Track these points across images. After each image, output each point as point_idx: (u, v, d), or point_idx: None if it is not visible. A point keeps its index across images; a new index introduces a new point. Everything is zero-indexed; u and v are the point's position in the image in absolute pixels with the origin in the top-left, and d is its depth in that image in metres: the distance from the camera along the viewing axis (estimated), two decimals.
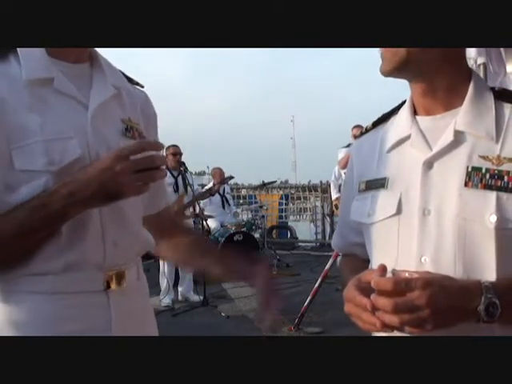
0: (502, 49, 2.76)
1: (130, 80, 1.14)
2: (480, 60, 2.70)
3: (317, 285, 4.16)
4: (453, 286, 0.76)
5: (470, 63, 2.69)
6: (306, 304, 4.10)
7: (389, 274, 0.77)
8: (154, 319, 1.13)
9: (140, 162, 0.86)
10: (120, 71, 1.11)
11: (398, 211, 0.90)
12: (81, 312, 0.92)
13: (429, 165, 0.89)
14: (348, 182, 1.10)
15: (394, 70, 0.88)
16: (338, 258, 5.27)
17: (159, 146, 0.91)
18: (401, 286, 0.73)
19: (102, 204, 0.89)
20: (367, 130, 1.07)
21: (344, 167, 6.10)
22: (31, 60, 0.92)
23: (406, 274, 0.77)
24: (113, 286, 0.96)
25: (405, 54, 0.85)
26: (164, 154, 1.08)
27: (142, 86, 1.17)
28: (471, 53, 2.70)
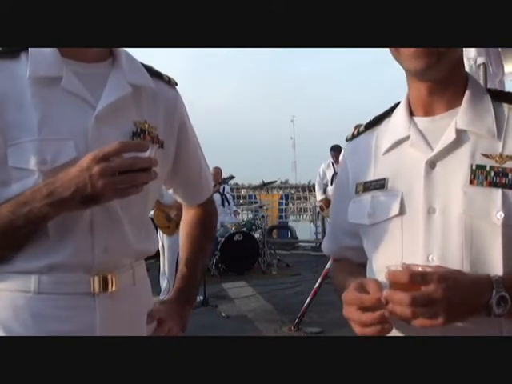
0: (500, 49, 2.76)
1: (159, 76, 1.09)
2: (480, 60, 2.70)
3: (317, 285, 4.16)
4: (465, 280, 0.78)
5: (470, 63, 2.69)
6: (305, 304, 4.10)
7: (398, 268, 0.79)
8: (153, 324, 1.10)
9: (119, 163, 0.83)
10: (147, 66, 1.07)
11: (401, 211, 0.91)
12: (66, 313, 0.91)
13: (431, 164, 0.89)
14: (341, 185, 1.08)
15: (429, 67, 0.86)
16: None
17: (143, 147, 0.87)
18: (417, 278, 0.74)
19: (82, 207, 0.87)
20: (359, 133, 1.07)
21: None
22: (40, 59, 0.92)
23: (419, 268, 0.78)
24: (100, 289, 0.94)
25: (443, 51, 0.85)
26: (153, 155, 1.07)
27: (176, 84, 1.13)
28: (471, 53, 2.70)
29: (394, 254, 0.91)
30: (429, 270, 0.78)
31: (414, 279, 0.74)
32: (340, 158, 6.26)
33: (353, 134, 1.09)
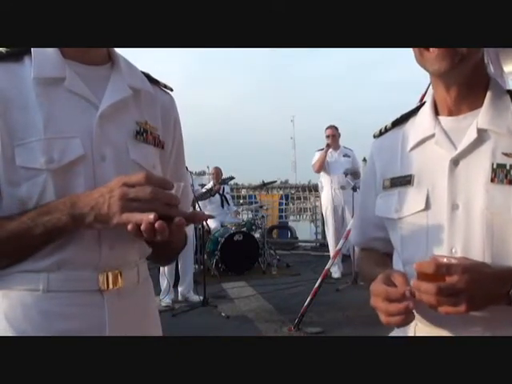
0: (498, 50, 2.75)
1: (156, 82, 1.12)
2: None
3: (317, 285, 4.16)
4: (487, 271, 0.83)
5: None
6: (305, 304, 4.09)
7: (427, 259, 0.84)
8: (157, 322, 1.12)
9: (139, 189, 0.84)
10: (144, 73, 1.10)
11: (427, 206, 0.96)
12: (75, 311, 0.92)
13: (455, 162, 0.93)
14: (368, 181, 1.15)
15: (452, 68, 0.90)
16: (337, 258, 5.27)
17: (166, 184, 0.88)
18: (442, 269, 0.80)
19: (95, 224, 0.87)
20: (386, 130, 1.11)
21: (318, 171, 6.11)
22: (43, 60, 0.93)
23: (445, 260, 0.83)
24: (108, 286, 0.95)
25: (465, 52, 0.88)
26: (179, 193, 0.93)
27: (171, 89, 1.15)
28: None
29: (419, 246, 0.96)
30: (454, 261, 0.83)
31: (439, 270, 0.79)
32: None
33: (380, 131, 1.13)
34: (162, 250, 1.07)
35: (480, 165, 0.91)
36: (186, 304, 4.94)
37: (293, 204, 12.63)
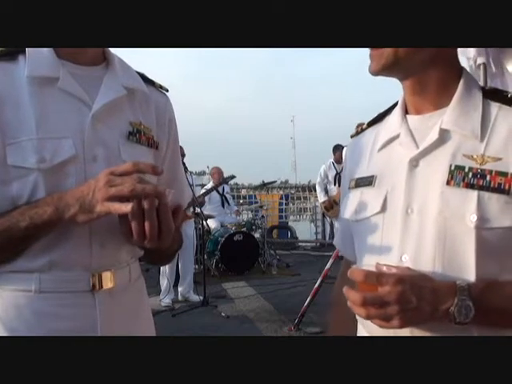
0: (499, 50, 2.74)
1: (151, 83, 1.12)
2: (480, 60, 2.69)
3: (317, 285, 4.16)
4: (425, 285, 0.77)
5: (470, 63, 2.68)
6: (306, 304, 4.10)
7: (372, 268, 0.80)
8: (150, 321, 1.12)
9: (122, 177, 0.85)
10: (140, 73, 1.10)
11: (383, 209, 0.90)
12: (67, 311, 0.92)
13: (414, 163, 0.88)
14: (342, 181, 1.12)
15: (381, 70, 0.88)
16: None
17: (155, 169, 0.87)
18: (371, 278, 0.76)
19: (79, 215, 0.87)
20: (363, 130, 1.08)
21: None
22: (37, 59, 0.93)
23: (384, 268, 0.79)
24: (99, 286, 0.95)
25: (391, 55, 0.85)
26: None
27: (166, 90, 1.15)
28: (471, 53, 2.69)
29: (374, 251, 0.91)
30: (393, 271, 0.78)
31: (368, 279, 0.75)
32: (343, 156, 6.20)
33: (357, 131, 1.10)
34: (155, 253, 1.07)
35: (439, 166, 0.85)
36: (186, 304, 4.94)
37: (293, 204, 12.64)
